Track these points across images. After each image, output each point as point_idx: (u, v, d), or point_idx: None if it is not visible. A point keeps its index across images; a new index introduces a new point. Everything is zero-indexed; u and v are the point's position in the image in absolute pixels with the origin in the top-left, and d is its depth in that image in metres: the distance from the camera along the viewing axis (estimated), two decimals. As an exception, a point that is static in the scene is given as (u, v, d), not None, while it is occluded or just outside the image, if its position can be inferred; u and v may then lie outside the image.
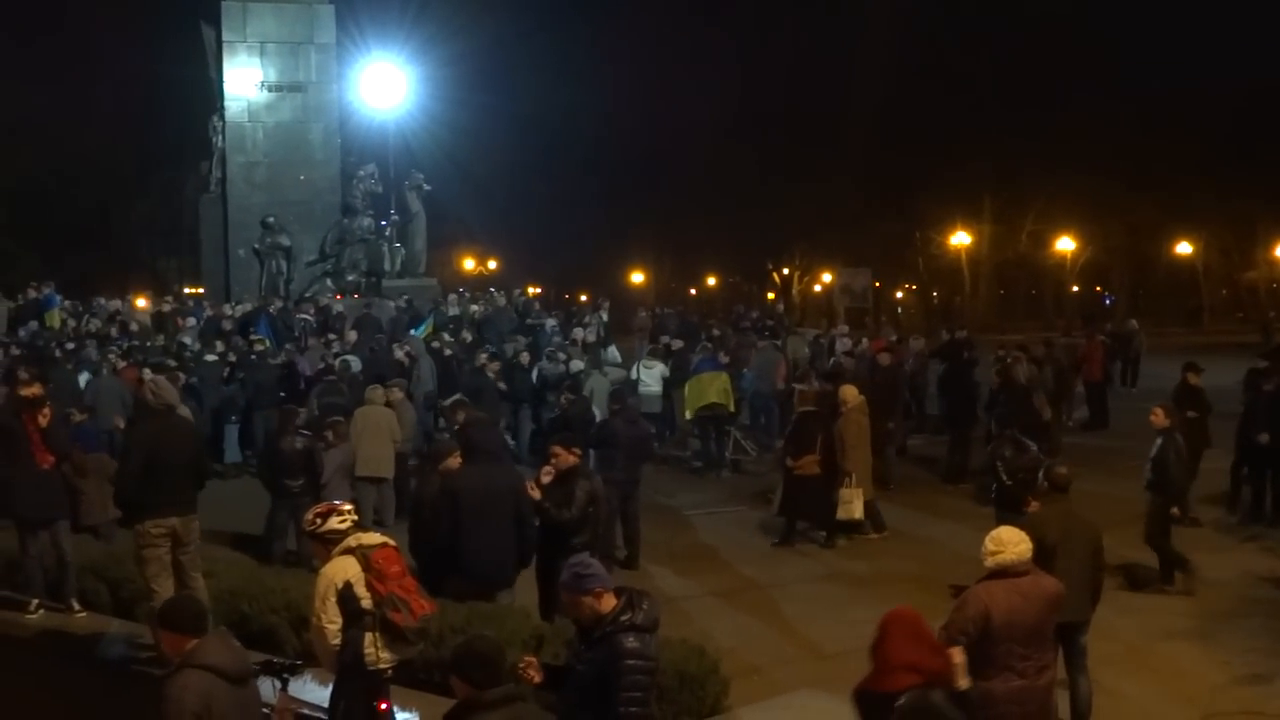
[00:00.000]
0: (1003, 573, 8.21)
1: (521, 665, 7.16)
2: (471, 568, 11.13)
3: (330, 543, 8.44)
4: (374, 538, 8.52)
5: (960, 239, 72.48)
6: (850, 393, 18.41)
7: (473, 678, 6.24)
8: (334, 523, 8.49)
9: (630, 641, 6.90)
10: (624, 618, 6.96)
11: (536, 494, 11.41)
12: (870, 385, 22.51)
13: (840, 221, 69.91)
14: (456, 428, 15.55)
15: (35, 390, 12.88)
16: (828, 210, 68.20)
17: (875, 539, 17.87)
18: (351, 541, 8.40)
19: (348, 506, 8.75)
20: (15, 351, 27.57)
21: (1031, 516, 10.33)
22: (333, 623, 8.23)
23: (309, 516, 8.67)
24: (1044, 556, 9.15)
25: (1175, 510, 15.03)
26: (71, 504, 14.37)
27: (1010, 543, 8.31)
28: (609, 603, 7.02)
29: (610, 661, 6.87)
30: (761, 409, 26.06)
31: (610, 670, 6.86)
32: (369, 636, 8.19)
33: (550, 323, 31.29)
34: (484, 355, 24.40)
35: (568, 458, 11.73)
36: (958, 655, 7.22)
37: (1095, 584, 10.23)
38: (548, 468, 11.79)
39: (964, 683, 6.94)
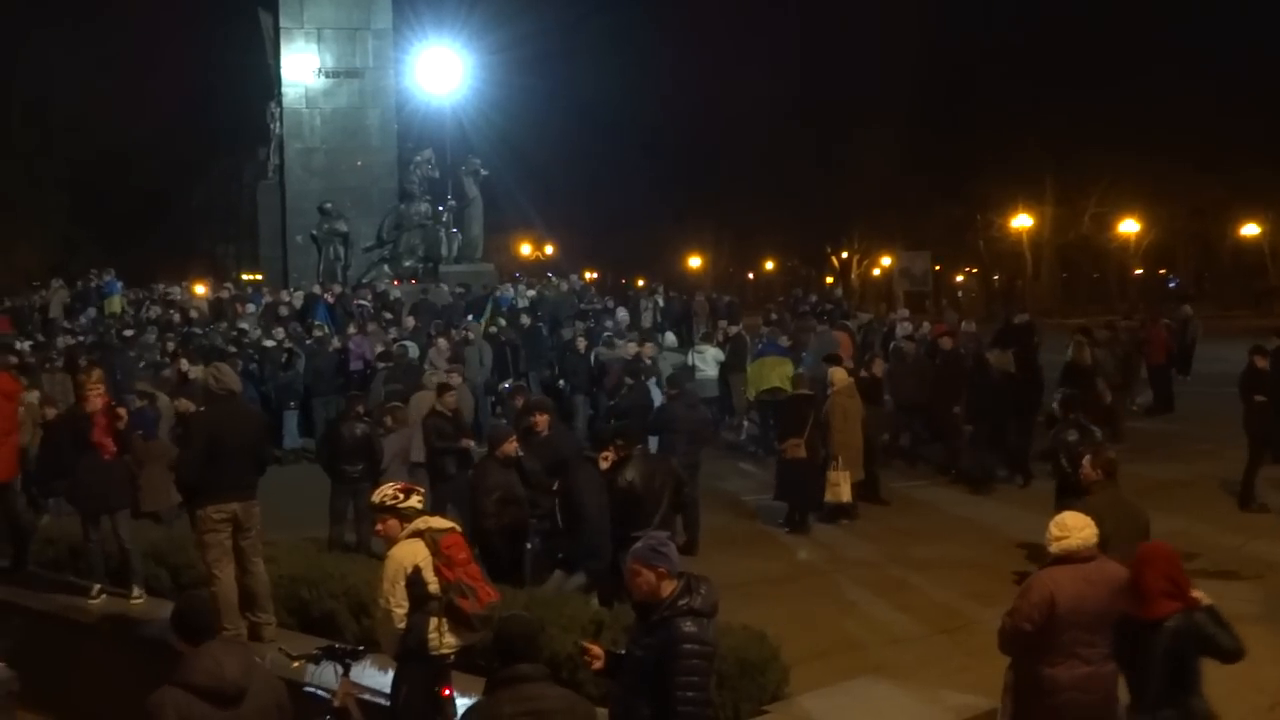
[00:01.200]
0: (1068, 558, 8.13)
1: (585, 654, 7.18)
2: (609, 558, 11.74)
3: (405, 518, 8.52)
4: (442, 523, 8.62)
5: (1021, 221, 71.88)
6: (839, 375, 18.46)
7: (501, 654, 6.36)
8: (415, 500, 8.64)
9: (688, 626, 6.87)
10: (682, 602, 6.93)
11: None
12: (932, 370, 22.43)
13: (900, 204, 69.57)
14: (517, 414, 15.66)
15: (97, 404, 12.91)
16: (887, 193, 67.86)
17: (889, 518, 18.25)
18: (420, 524, 8.47)
19: (420, 489, 8.94)
20: (72, 340, 27.93)
21: (1084, 506, 10.20)
22: (400, 606, 8.29)
23: (389, 491, 8.74)
24: (1100, 546, 9.09)
25: None
26: (132, 490, 14.49)
27: (1076, 528, 8.23)
28: (668, 587, 7.00)
29: (667, 646, 6.85)
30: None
31: (667, 655, 6.84)
32: (433, 622, 8.25)
33: (622, 313, 31.00)
34: (633, 345, 24.13)
35: (618, 452, 12.06)
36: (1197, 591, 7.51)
37: None
38: (604, 454, 11.92)
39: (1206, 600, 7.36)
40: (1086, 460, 11.00)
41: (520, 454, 12.86)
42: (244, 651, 6.93)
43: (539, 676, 6.36)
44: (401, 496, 8.64)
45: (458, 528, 8.66)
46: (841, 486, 17.68)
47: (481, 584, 8.40)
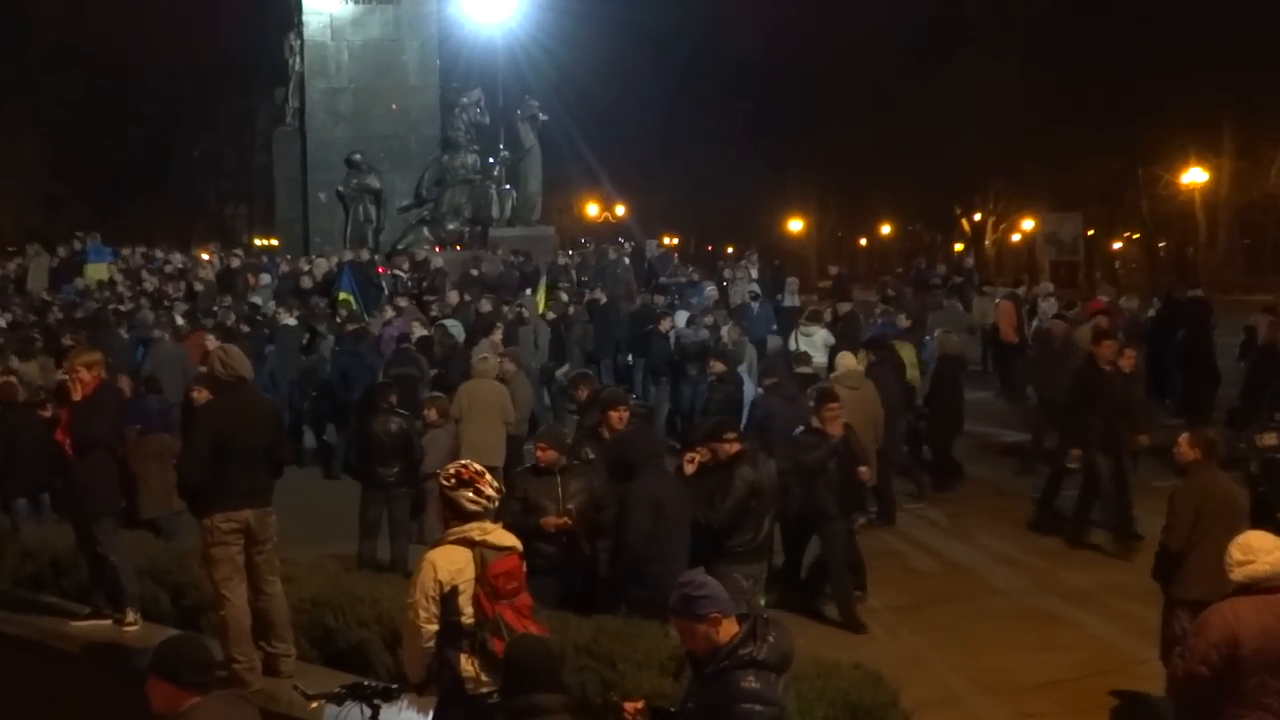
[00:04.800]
0: (1253, 587, 8.04)
1: (626, 711, 7.12)
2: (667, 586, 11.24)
3: (456, 512, 8.44)
4: (502, 537, 8.49)
5: (1194, 176, 70.93)
6: (845, 360, 18.61)
7: (513, 682, 6.35)
8: (467, 496, 8.45)
9: (748, 681, 6.76)
10: (743, 651, 6.84)
11: None
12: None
13: (1045, 156, 68.81)
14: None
15: (77, 393, 12.77)
16: (1030, 142, 67.13)
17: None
18: (475, 533, 8.38)
19: (493, 486, 8.61)
20: (58, 315, 28.15)
21: (1178, 490, 11.28)
22: (430, 624, 8.30)
23: (450, 469, 8.62)
24: (1197, 533, 10.46)
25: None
26: (129, 494, 14.57)
27: (1262, 550, 8.14)
28: (727, 631, 6.90)
29: (721, 705, 6.77)
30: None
31: (722, 716, 6.76)
32: (465, 658, 8.26)
33: (709, 289, 30.87)
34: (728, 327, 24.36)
35: (726, 447, 11.92)
36: None
37: None
38: (690, 455, 11.86)
39: None
40: (1183, 438, 11.69)
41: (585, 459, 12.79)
42: (251, 713, 6.94)
43: (558, 709, 6.34)
44: (453, 482, 8.48)
45: (518, 548, 8.55)
46: None
47: (526, 621, 8.33)
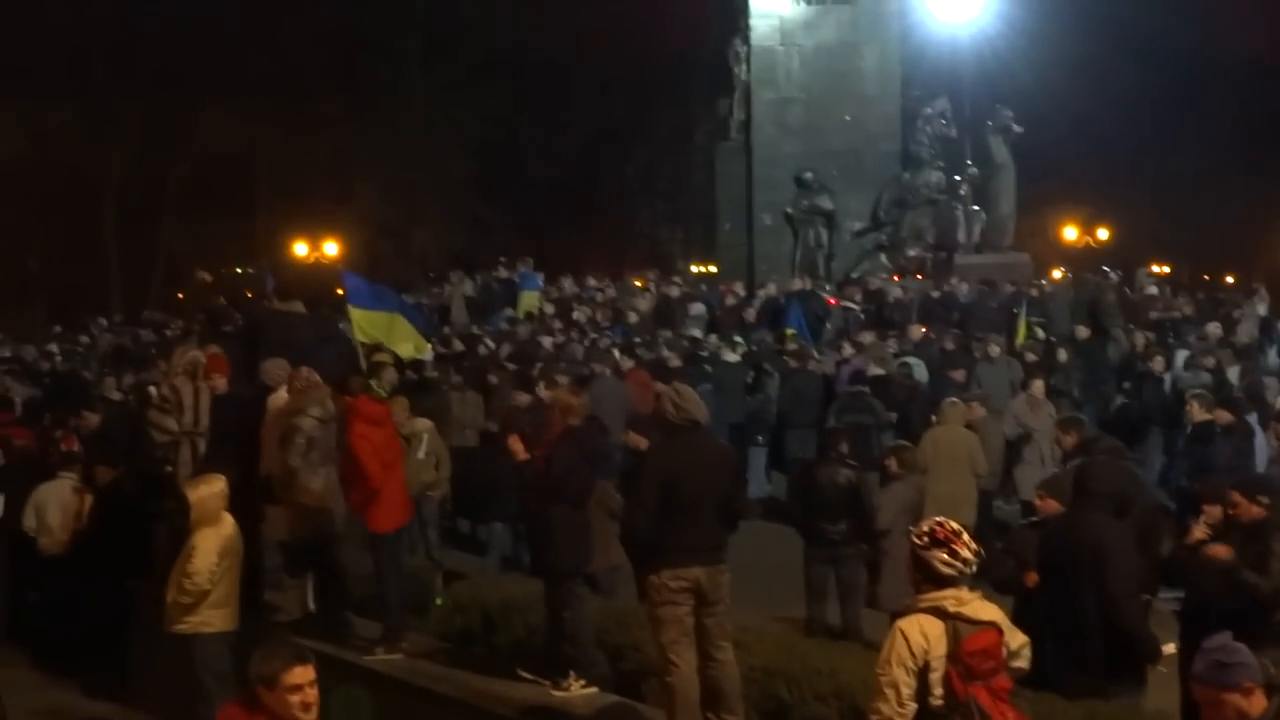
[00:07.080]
0: None
1: None
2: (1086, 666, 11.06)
3: (927, 576, 8.34)
4: (979, 609, 8.32)
5: None
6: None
7: None
8: (941, 558, 8.29)
9: None
10: None
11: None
12: None
13: None
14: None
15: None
16: None
17: None
18: (949, 603, 8.25)
19: (970, 548, 8.36)
20: (489, 346, 28.94)
21: None
22: (911, 703, 8.14)
23: (924, 526, 8.49)
24: None
25: None
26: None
27: None
28: (1258, 704, 6.88)
29: None
30: None
31: None
32: None
33: (1210, 326, 29.89)
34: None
35: (1250, 509, 11.55)
36: None
37: None
38: (1206, 515, 11.65)
39: None
40: None
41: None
42: None
43: None
44: (924, 540, 8.33)
45: (998, 621, 8.38)
46: None
47: (1004, 706, 8.23)
